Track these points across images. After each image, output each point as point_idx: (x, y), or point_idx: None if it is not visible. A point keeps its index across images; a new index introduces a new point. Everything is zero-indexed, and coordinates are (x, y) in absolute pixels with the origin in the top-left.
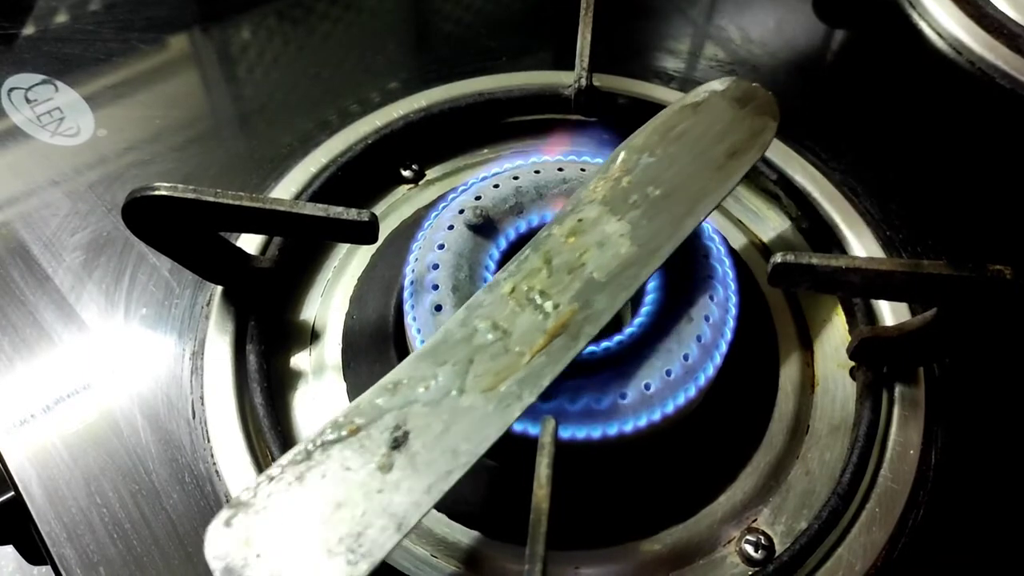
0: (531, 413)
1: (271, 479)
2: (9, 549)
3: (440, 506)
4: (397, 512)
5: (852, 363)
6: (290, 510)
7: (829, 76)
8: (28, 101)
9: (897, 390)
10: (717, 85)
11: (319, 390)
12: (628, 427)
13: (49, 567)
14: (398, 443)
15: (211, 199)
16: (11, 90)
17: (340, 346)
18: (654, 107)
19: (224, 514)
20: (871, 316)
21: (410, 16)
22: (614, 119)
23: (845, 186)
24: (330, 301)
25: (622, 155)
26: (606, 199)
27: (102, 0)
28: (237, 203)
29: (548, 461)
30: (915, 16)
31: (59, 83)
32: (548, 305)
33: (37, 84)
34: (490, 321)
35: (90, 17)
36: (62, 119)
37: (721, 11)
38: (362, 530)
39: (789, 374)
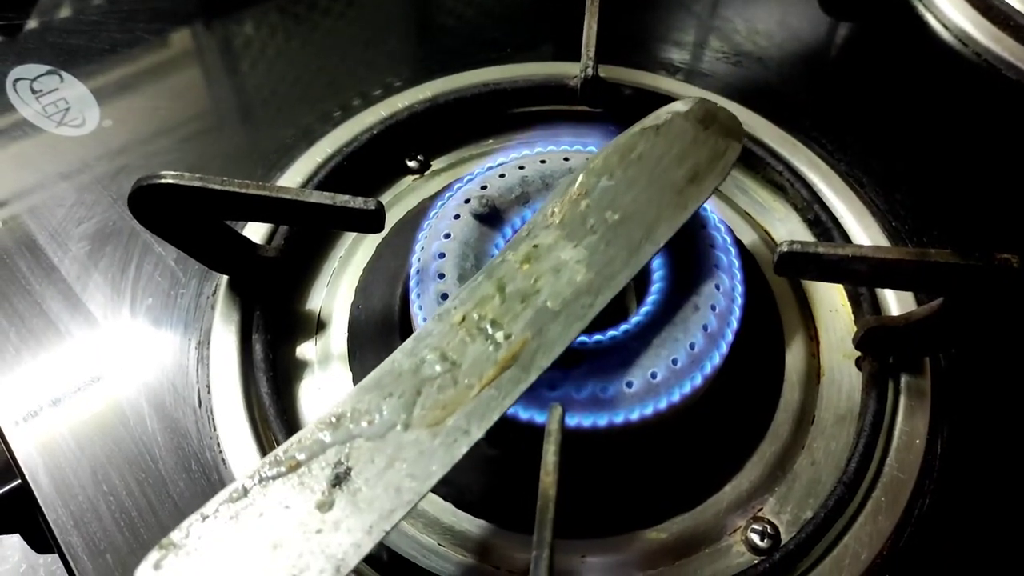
0: (538, 401)
1: (204, 518)
2: (15, 538)
3: (447, 495)
4: (335, 554)
5: (858, 353)
6: (224, 551)
7: (835, 68)
8: (33, 92)
9: (903, 380)
10: (680, 106)
11: (324, 379)
12: (634, 416)
13: (56, 555)
14: (339, 480)
15: (217, 187)
16: (16, 81)
17: (346, 336)
18: (659, 98)
19: (153, 556)
20: (877, 306)
21: (413, 9)
22: (619, 110)
23: (851, 177)
24: (336, 291)
25: (580, 177)
26: (563, 223)
27: None
28: (243, 191)
29: (555, 448)
30: (921, 8)
31: (64, 74)
32: (500, 335)
33: (42, 75)
34: (439, 351)
35: (94, 9)
36: (67, 110)
37: (727, 3)
38: (298, 573)
39: (795, 364)
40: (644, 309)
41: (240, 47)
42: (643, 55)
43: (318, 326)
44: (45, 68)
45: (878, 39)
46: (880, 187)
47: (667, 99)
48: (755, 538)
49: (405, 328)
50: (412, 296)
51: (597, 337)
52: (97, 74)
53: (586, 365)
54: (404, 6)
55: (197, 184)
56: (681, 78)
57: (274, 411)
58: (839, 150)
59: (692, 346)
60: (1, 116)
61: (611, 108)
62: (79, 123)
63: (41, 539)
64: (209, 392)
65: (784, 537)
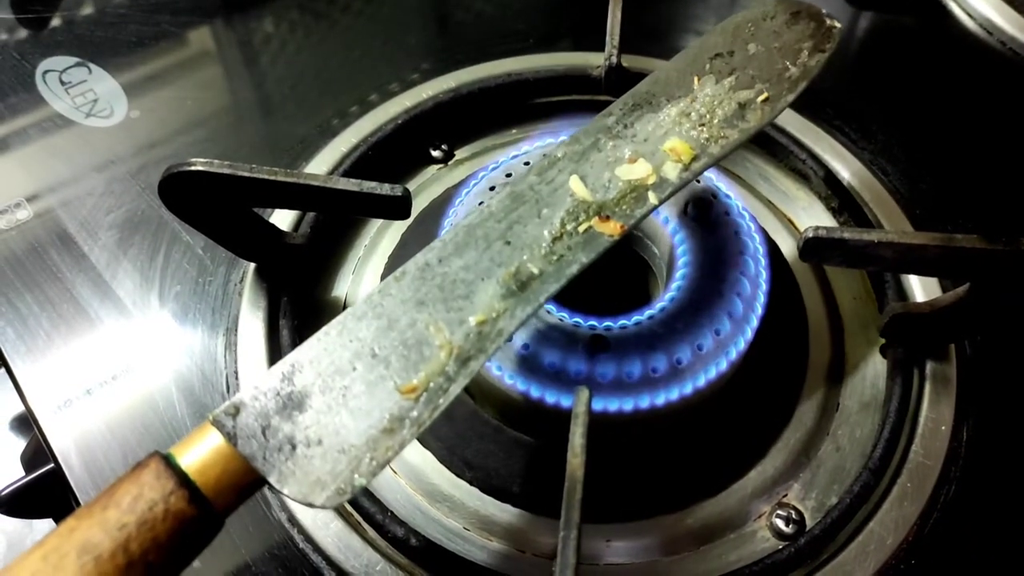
0: (565, 385)
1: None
2: (48, 523)
3: (473, 480)
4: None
5: (882, 340)
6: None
7: (858, 58)
8: (63, 83)
9: (928, 367)
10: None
11: None
12: (660, 400)
13: None
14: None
15: (246, 174)
16: (46, 72)
17: None
18: None
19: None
20: (902, 293)
21: (433, 3)
22: None
23: (875, 166)
24: (361, 278)
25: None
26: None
27: None
28: (272, 178)
29: (582, 431)
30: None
31: (92, 66)
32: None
33: (71, 67)
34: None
35: (118, 3)
36: (96, 101)
37: None
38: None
39: (818, 351)
40: (669, 295)
41: (261, 41)
42: (664, 45)
43: None
44: (74, 60)
45: (901, 28)
46: (904, 176)
47: None
48: (780, 524)
49: None
50: None
51: (623, 322)
52: (124, 67)
53: (612, 350)
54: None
55: (226, 171)
56: None
57: None
58: (863, 139)
59: (717, 332)
60: (32, 108)
61: None
62: (107, 114)
63: None
64: (237, 378)
65: (809, 523)
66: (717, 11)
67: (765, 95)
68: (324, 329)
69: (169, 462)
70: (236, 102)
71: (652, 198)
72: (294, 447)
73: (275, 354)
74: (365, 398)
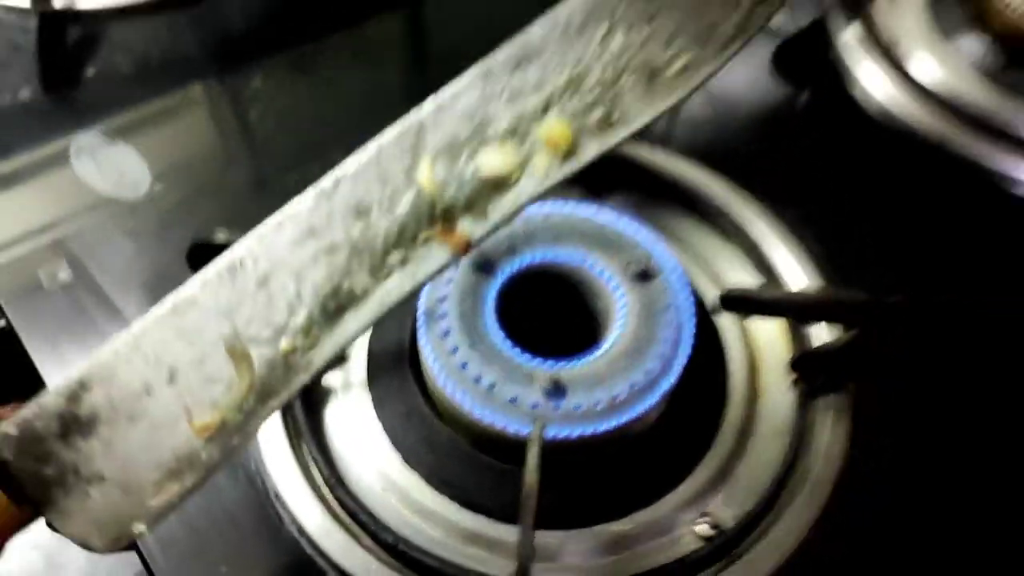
0: (523, 416)
1: None
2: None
3: (451, 496)
4: None
5: (792, 376)
6: None
7: (781, 132)
8: (94, 160)
9: (830, 399)
10: None
11: (347, 403)
12: (601, 428)
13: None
14: None
15: None
16: (77, 148)
17: (366, 365)
18: (629, 164)
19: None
20: (807, 337)
21: (420, 58)
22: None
23: (792, 231)
24: None
25: None
26: None
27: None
28: None
29: (536, 451)
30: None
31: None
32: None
33: (97, 142)
34: None
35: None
36: (123, 175)
37: None
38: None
39: (738, 385)
40: (611, 338)
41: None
42: None
43: (340, 358)
44: (101, 137)
45: (821, 106)
46: (817, 239)
47: (638, 167)
48: (703, 529)
49: (414, 359)
50: (420, 332)
51: (574, 363)
52: (143, 136)
53: (562, 388)
54: (407, 58)
55: None
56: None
57: (306, 427)
58: (783, 206)
59: (648, 372)
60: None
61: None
62: (132, 185)
63: None
64: None
65: (727, 528)
66: None
67: (683, 61)
68: (120, 336)
69: None
70: (242, 164)
71: (509, 202)
72: (75, 481)
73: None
74: (155, 432)
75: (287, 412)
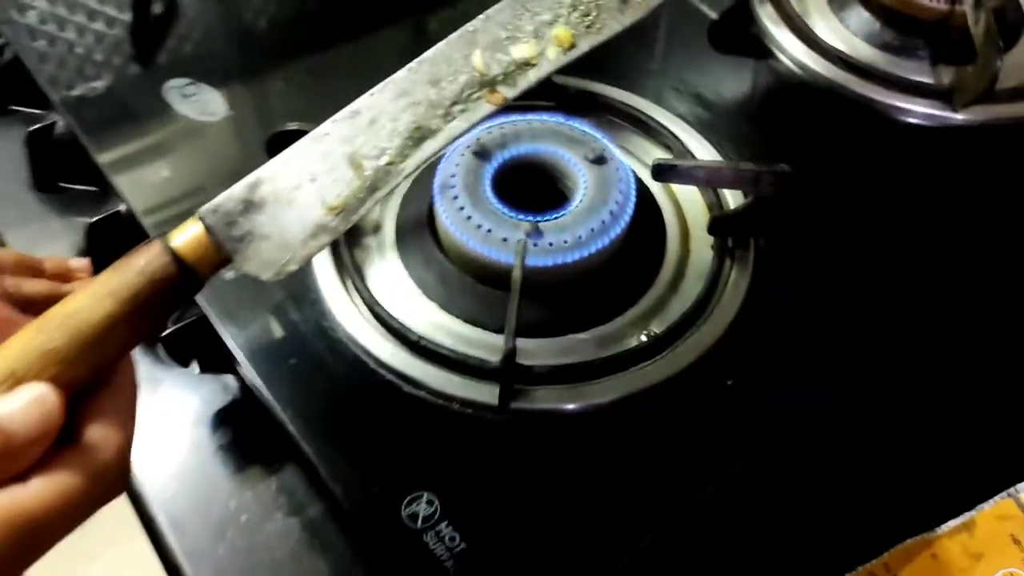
0: (511, 251)
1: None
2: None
3: (458, 316)
4: None
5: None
6: None
7: (716, 86)
8: (183, 96)
9: (738, 253)
10: None
11: (381, 261)
12: (568, 259)
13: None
14: None
15: None
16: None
17: (394, 231)
18: (594, 95)
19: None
20: (721, 203)
21: None
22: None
23: (717, 145)
24: (388, 203)
25: None
26: None
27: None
28: None
29: (520, 263)
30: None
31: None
32: None
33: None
34: None
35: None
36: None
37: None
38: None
39: (673, 244)
40: (575, 202)
41: None
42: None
43: (375, 227)
44: (187, 80)
45: (747, 66)
46: (735, 150)
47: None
48: (644, 338)
49: (432, 224)
50: (436, 199)
51: (554, 214)
52: (222, 79)
53: (540, 230)
54: None
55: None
56: (614, 83)
57: (351, 268)
58: (714, 135)
59: (603, 222)
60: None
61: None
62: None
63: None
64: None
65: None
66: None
67: None
68: (281, 155)
69: (166, 243)
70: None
71: (532, 75)
72: (252, 239)
73: (335, 247)
74: (302, 211)
75: (339, 257)
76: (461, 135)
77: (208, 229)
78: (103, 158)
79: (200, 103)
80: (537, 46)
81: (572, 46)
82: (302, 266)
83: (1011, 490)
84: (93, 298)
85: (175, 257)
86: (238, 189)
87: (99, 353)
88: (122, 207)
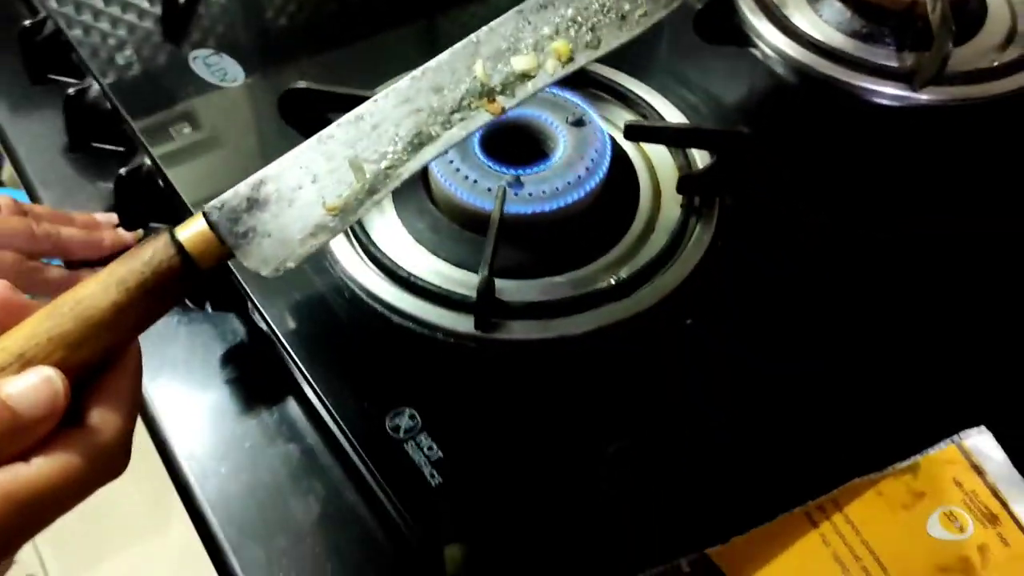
0: (494, 200)
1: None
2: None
3: (446, 259)
4: None
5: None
6: None
7: (698, 69)
8: (206, 65)
9: (703, 210)
10: None
11: (380, 212)
12: (546, 208)
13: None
14: None
15: (342, 91)
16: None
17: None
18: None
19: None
20: (690, 163)
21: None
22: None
23: (685, 113)
24: None
25: None
26: None
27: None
28: (351, 92)
29: (499, 205)
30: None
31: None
32: None
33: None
34: None
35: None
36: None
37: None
38: None
39: (645, 202)
40: (554, 159)
41: None
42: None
43: None
44: (210, 51)
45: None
46: (703, 119)
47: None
48: (613, 281)
49: (424, 180)
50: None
51: (536, 168)
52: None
53: (521, 182)
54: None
55: (319, 87)
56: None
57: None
58: (684, 104)
59: (579, 176)
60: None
61: None
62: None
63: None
64: None
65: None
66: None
67: (643, 9)
68: (287, 155)
69: (172, 236)
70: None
71: (530, 86)
72: (254, 235)
73: None
74: (303, 210)
75: None
76: (458, 142)
77: (212, 225)
78: (136, 123)
79: (220, 71)
80: (536, 58)
81: (570, 59)
82: (299, 264)
83: (955, 437)
84: (101, 286)
85: (180, 249)
86: (243, 187)
87: (105, 338)
88: (146, 160)
